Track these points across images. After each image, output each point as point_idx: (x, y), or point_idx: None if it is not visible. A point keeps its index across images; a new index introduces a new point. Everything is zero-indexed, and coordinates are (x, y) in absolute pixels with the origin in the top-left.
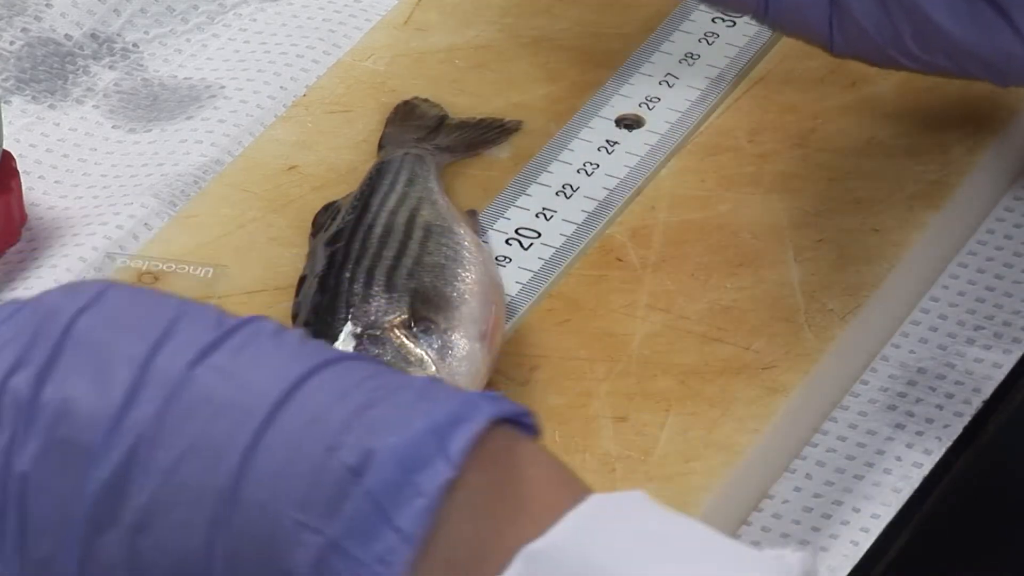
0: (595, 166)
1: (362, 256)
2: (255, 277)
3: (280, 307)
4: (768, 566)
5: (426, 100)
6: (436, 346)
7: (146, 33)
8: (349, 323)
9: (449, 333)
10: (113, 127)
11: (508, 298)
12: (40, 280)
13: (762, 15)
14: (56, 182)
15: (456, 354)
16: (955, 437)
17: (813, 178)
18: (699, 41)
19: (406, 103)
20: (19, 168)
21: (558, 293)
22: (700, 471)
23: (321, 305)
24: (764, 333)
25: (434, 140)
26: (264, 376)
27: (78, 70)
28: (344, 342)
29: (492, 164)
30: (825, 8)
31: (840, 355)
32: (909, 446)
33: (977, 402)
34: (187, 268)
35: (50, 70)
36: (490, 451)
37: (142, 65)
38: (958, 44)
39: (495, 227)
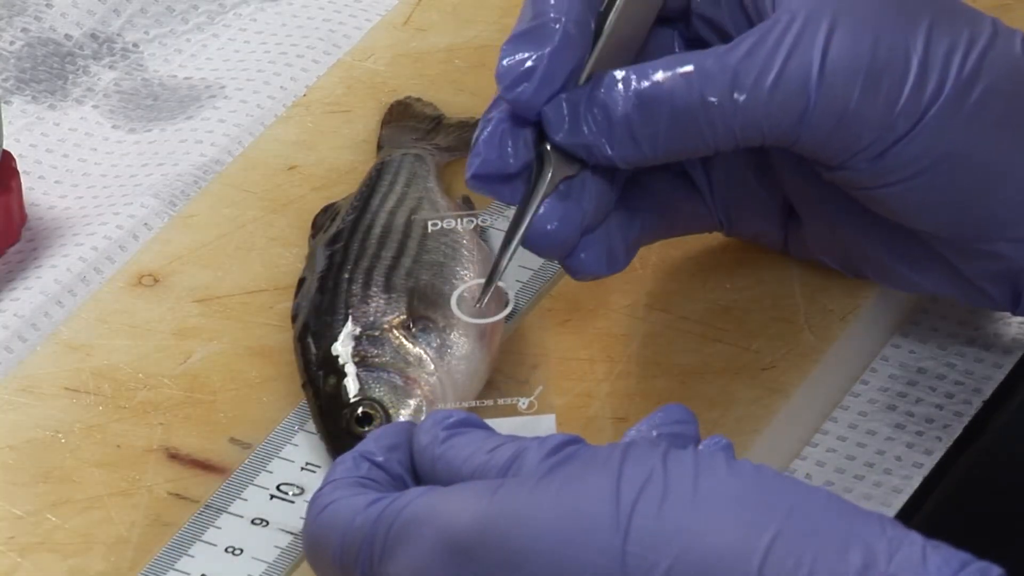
0: None
1: (361, 256)
2: (255, 277)
3: (280, 307)
4: None
5: (419, 99)
6: (435, 345)
7: (146, 33)
8: (348, 324)
9: (448, 332)
10: (113, 127)
11: (508, 296)
12: (40, 280)
13: (723, 232)
14: (56, 182)
15: (455, 353)
16: (955, 437)
17: None
18: None
19: (400, 103)
20: (19, 168)
21: (558, 293)
22: None
23: (320, 306)
24: (764, 333)
25: (433, 140)
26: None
27: (78, 70)
28: (343, 343)
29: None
30: (780, 238)
31: (840, 355)
32: (909, 446)
33: (977, 402)
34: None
35: (50, 70)
36: None
37: (142, 65)
38: (918, 285)
39: (495, 225)
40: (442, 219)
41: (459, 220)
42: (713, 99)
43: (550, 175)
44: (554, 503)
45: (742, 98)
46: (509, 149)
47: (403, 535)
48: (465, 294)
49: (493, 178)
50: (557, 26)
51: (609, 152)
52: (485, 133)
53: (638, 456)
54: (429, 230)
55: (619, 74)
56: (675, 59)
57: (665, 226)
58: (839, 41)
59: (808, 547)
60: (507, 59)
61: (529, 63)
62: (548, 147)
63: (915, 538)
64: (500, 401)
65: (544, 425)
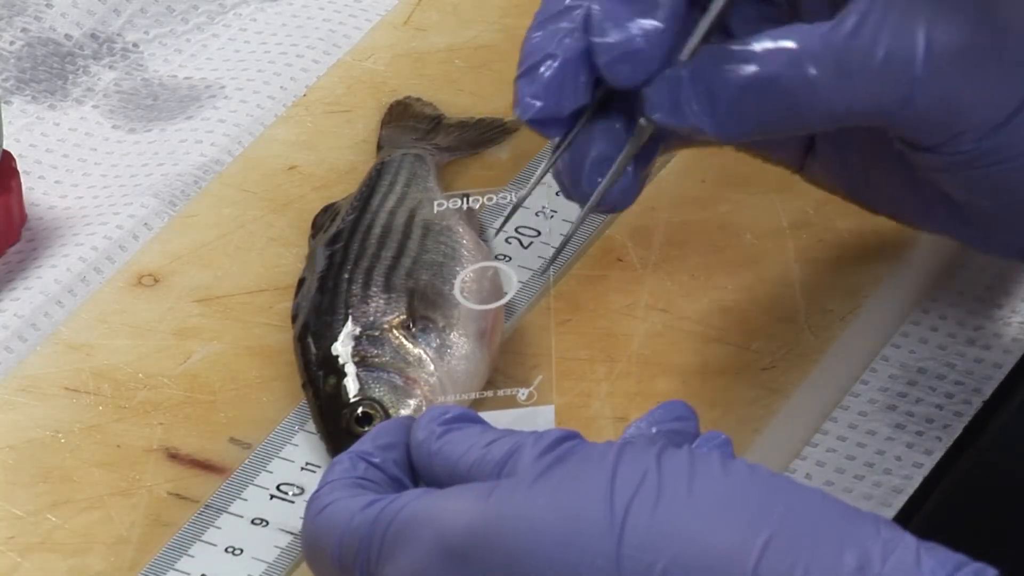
0: None
1: (361, 257)
2: (255, 277)
3: (280, 307)
4: None
5: (419, 99)
6: (435, 345)
7: (146, 33)
8: (348, 324)
9: (448, 332)
10: (113, 127)
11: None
12: (40, 280)
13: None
14: (56, 182)
15: (455, 353)
16: (955, 437)
17: None
18: None
19: (399, 103)
20: (19, 168)
21: (558, 293)
22: None
23: (320, 306)
24: (764, 333)
25: (433, 140)
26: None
27: (78, 70)
28: (343, 343)
29: (492, 164)
30: (796, 162)
31: (840, 355)
32: (909, 446)
33: (977, 402)
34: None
35: (50, 70)
36: None
37: (142, 65)
38: (926, 225)
39: (494, 225)
40: (448, 199)
41: (464, 199)
42: (819, 79)
43: (631, 146)
44: (549, 505)
45: (848, 79)
46: (569, 94)
47: (400, 538)
48: (467, 279)
49: (548, 121)
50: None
51: (711, 132)
52: (546, 76)
53: (633, 456)
54: (435, 210)
55: (722, 52)
56: (776, 35)
57: (677, 142)
58: (943, 21)
59: (802, 549)
60: (609, 31)
61: (632, 41)
62: (642, 121)
63: (909, 540)
64: (500, 392)
65: (543, 416)
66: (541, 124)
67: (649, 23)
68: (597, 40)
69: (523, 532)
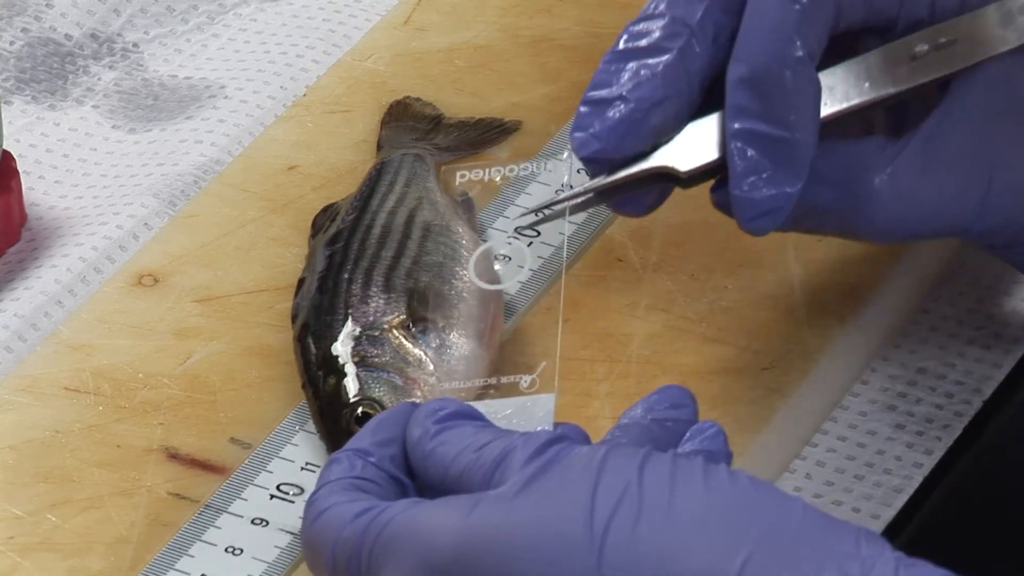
0: None
1: (360, 257)
2: (255, 277)
3: (280, 307)
4: None
5: (419, 99)
6: (434, 346)
7: (146, 33)
8: (348, 324)
9: (447, 332)
10: (113, 127)
11: (507, 297)
12: (40, 280)
13: None
14: (56, 182)
15: (454, 353)
16: (955, 437)
17: None
18: None
19: (399, 103)
20: (19, 168)
21: (558, 292)
22: None
23: (320, 306)
24: (764, 333)
25: (433, 140)
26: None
27: (78, 70)
28: (343, 343)
29: (492, 164)
30: None
31: (840, 355)
32: (909, 446)
33: (977, 402)
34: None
35: (50, 70)
36: None
37: (142, 65)
38: None
39: (495, 226)
40: (470, 169)
41: (487, 171)
42: (883, 214)
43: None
44: (530, 522)
45: (909, 221)
46: (631, 143)
47: (386, 553)
48: (482, 257)
49: (602, 162)
50: (802, 151)
51: (769, 230)
52: (613, 119)
53: (615, 467)
54: (458, 181)
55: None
56: (842, 160)
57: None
58: (1008, 152)
59: (780, 569)
60: (756, 189)
61: (777, 200)
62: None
63: (889, 556)
64: (503, 380)
65: (543, 405)
66: (594, 163)
67: (793, 186)
68: (740, 195)
69: (503, 552)
